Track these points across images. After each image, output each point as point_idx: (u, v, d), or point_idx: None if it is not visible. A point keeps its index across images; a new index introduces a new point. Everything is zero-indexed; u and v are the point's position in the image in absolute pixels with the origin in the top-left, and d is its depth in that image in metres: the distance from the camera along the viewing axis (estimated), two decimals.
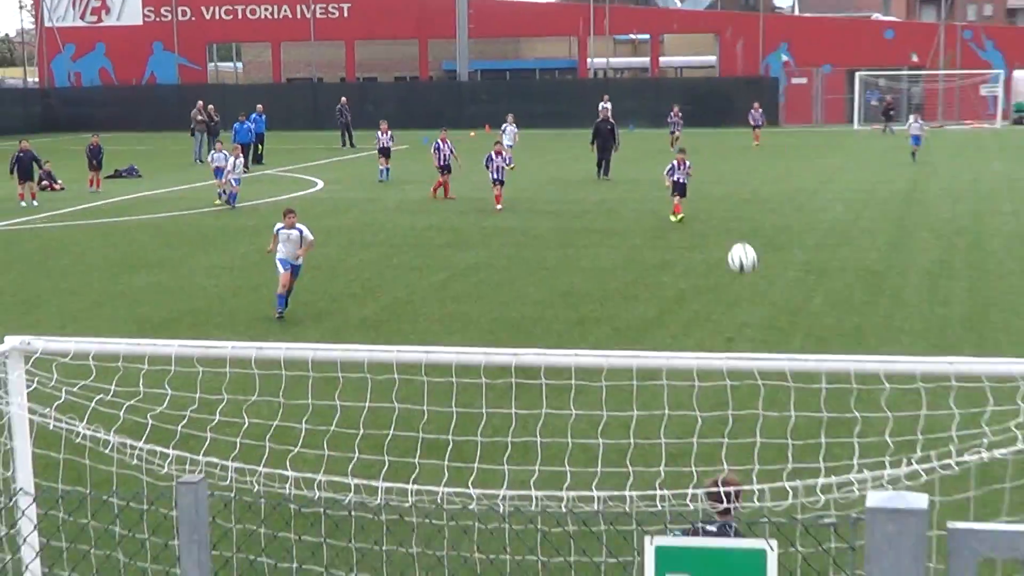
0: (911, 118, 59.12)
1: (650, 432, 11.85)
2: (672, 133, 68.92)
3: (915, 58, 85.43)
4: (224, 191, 43.08)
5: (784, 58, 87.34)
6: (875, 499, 3.77)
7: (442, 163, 45.12)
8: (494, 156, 42.61)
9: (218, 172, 43.52)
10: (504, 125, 59.60)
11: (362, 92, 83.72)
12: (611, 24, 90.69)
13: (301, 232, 25.13)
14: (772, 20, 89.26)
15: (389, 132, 52.34)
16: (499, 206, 42.06)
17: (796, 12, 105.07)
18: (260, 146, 60.75)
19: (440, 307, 26.21)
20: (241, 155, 45.15)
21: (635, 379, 10.28)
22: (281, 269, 25.06)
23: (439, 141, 45.48)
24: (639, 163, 56.52)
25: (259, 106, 64.14)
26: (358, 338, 22.40)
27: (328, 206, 43.92)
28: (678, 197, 38.21)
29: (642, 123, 78.19)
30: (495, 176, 42.46)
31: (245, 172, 44.21)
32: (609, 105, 68.52)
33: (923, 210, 39.79)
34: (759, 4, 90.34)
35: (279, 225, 25.40)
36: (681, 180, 38.19)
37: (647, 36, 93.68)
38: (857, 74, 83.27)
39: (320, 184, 51.12)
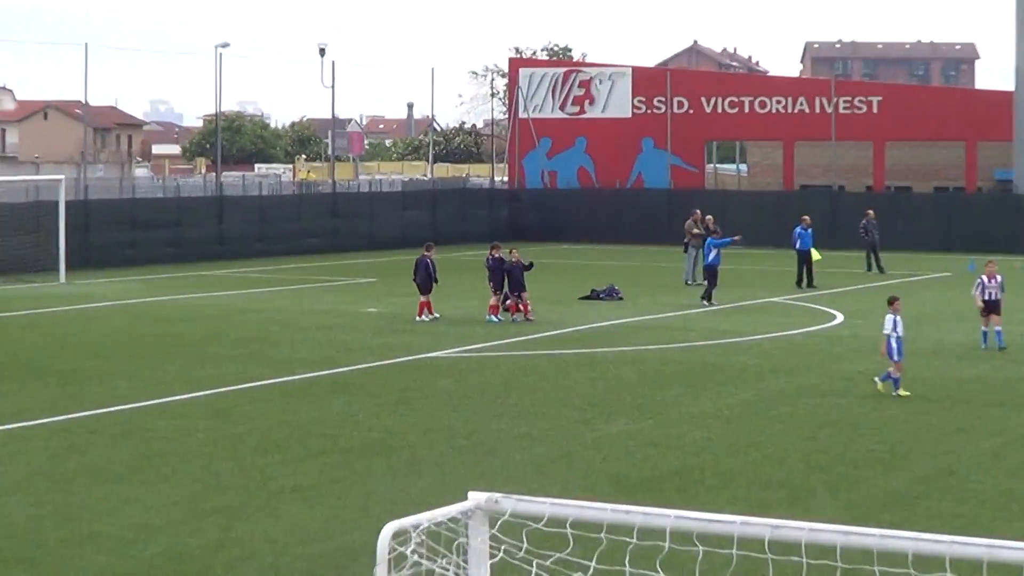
0: None
1: None
2: None
3: None
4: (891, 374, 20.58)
5: None
6: None
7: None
8: None
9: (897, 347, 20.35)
10: None
11: (892, 204, 49.02)
12: None
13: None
14: None
15: (999, 277, 24.98)
16: None
17: None
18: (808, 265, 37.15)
19: (992, 482, 14.79)
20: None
21: None
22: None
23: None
24: None
25: (805, 218, 37.46)
26: (885, 517, 11.98)
27: (848, 345, 25.88)
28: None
29: None
30: None
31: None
32: None
33: None
34: None
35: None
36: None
37: None
38: None
39: (839, 318, 29.58)
